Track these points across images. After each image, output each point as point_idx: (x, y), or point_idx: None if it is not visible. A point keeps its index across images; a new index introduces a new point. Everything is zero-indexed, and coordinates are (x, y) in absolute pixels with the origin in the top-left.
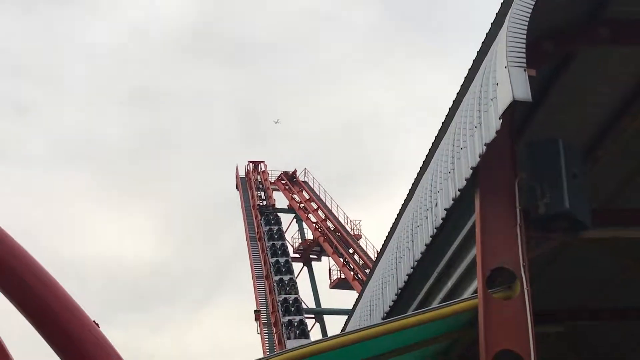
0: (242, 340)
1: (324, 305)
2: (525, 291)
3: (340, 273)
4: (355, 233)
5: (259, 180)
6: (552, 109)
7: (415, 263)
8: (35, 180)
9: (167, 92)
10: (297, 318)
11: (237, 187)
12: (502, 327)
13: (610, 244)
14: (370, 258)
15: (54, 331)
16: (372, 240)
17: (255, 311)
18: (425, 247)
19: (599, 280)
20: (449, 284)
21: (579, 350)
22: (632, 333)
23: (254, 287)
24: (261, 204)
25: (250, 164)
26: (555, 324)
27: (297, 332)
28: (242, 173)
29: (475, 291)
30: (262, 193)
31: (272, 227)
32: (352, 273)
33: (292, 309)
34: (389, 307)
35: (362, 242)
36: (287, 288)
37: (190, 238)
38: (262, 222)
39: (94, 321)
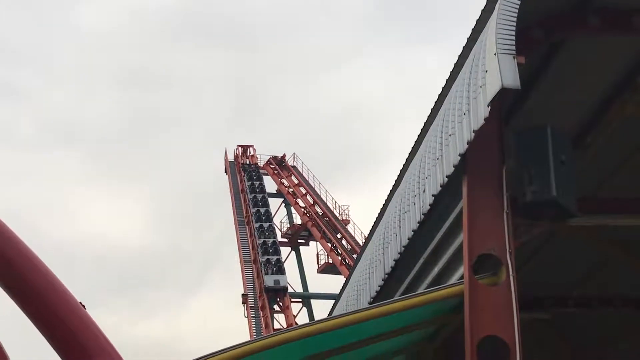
0: (231, 323)
1: (312, 289)
2: (511, 278)
3: (328, 258)
4: (344, 218)
5: (248, 164)
6: (540, 97)
7: (403, 249)
8: (24, 162)
9: (159, 74)
10: (275, 258)
11: (225, 171)
12: (488, 313)
13: (597, 232)
14: (358, 243)
15: (39, 311)
16: (360, 225)
17: (242, 295)
18: (412, 232)
19: (586, 267)
20: (436, 270)
21: (565, 337)
22: (618, 321)
23: (242, 271)
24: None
25: (240, 148)
26: (542, 311)
27: (274, 269)
28: (231, 157)
29: (462, 277)
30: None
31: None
32: (339, 258)
33: (271, 250)
34: (376, 292)
35: (350, 228)
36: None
37: (180, 221)
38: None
39: (80, 302)
